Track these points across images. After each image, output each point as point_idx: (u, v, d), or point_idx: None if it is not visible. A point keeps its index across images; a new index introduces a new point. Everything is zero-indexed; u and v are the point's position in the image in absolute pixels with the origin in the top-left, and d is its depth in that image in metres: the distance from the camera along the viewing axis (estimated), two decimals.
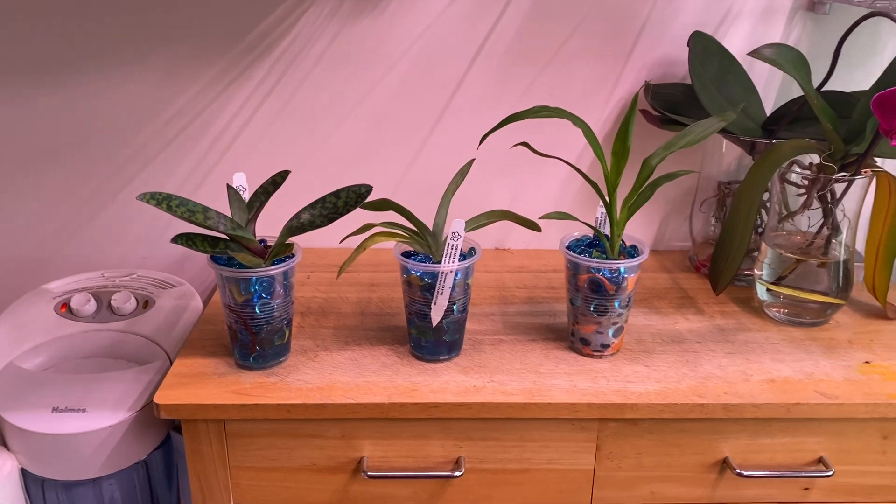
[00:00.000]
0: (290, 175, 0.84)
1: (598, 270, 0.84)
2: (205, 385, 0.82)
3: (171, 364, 0.88)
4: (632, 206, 0.85)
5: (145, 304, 1.03)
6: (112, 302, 1.01)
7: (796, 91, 1.11)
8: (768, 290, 0.98)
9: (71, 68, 1.07)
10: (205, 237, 0.80)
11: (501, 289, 1.06)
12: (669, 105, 1.06)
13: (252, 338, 0.83)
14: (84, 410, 0.89)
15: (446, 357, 0.87)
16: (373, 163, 1.14)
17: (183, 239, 0.78)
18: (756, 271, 1.00)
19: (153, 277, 1.09)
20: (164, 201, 0.76)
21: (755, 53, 0.88)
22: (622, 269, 0.84)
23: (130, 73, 1.07)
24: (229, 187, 0.82)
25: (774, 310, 0.99)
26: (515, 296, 1.04)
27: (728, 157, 1.09)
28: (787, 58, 0.87)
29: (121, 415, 0.89)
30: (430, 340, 0.86)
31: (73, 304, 1.01)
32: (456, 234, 0.80)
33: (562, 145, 1.12)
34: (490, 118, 1.09)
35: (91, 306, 1.01)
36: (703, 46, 1.01)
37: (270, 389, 0.82)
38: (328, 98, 1.10)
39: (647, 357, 0.89)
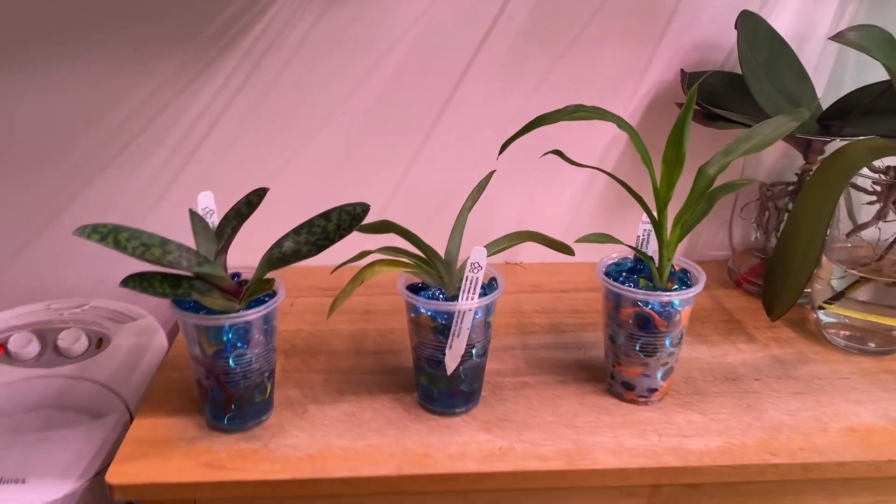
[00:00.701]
0: (268, 189, 0.68)
1: (647, 303, 0.69)
2: (170, 454, 0.67)
3: (131, 416, 0.73)
4: (685, 224, 0.70)
5: (99, 342, 0.87)
6: (59, 342, 0.85)
7: (850, 80, 0.97)
8: (830, 311, 0.84)
9: None
10: (165, 276, 0.64)
11: (518, 314, 0.91)
12: (708, 96, 0.91)
13: (226, 395, 0.68)
14: (24, 481, 0.74)
15: (463, 409, 0.72)
16: (364, 169, 0.98)
17: (136, 281, 0.62)
18: (815, 288, 0.86)
19: (108, 309, 0.93)
20: (109, 235, 0.60)
21: (840, 38, 0.73)
22: (675, 302, 0.69)
23: (73, 65, 0.90)
24: (193, 213, 0.66)
25: (832, 331, 0.85)
26: (535, 323, 0.89)
27: (772, 156, 0.95)
28: (876, 42, 0.72)
29: (68, 485, 0.73)
30: (444, 390, 0.71)
31: (12, 346, 0.85)
32: (476, 265, 0.65)
33: (578, 144, 0.97)
34: (500, 114, 0.94)
35: (33, 347, 0.85)
36: (753, 27, 0.86)
37: (251, 459, 0.66)
38: (310, 94, 0.94)
39: (701, 401, 0.75)
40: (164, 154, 0.95)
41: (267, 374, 0.70)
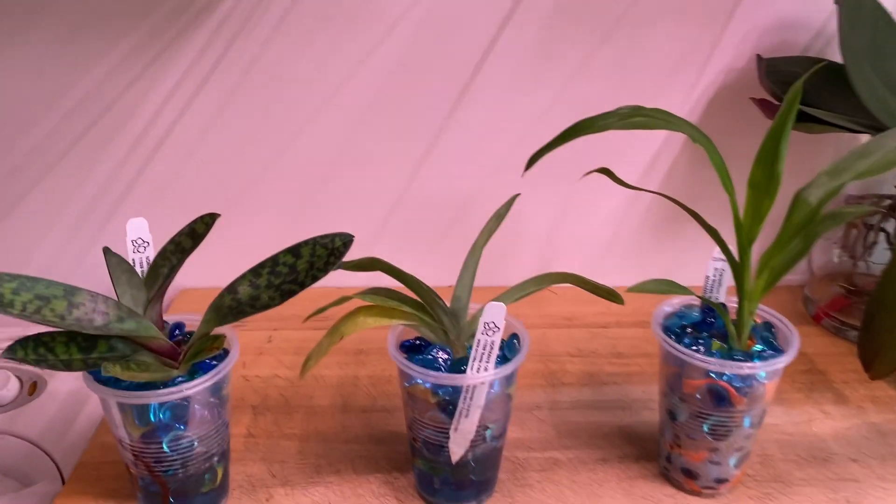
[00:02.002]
0: (217, 215, 0.51)
1: (721, 375, 0.52)
2: None
3: (64, 483, 0.58)
4: (775, 269, 0.52)
5: (32, 387, 0.71)
6: None
7: None
8: None
9: None
10: (72, 337, 0.48)
11: (546, 357, 0.74)
12: (787, 89, 0.72)
13: (161, 487, 0.52)
14: None
15: (472, 503, 0.55)
16: (358, 177, 0.81)
17: (27, 349, 0.45)
18: None
19: None
20: None
21: None
22: (761, 374, 0.52)
23: (10, 41, 0.74)
24: (108, 252, 0.50)
25: None
26: (568, 371, 0.72)
27: None
28: None
29: None
30: (447, 479, 0.54)
31: None
32: (491, 325, 0.48)
33: (621, 144, 0.79)
34: (527, 109, 0.76)
35: None
36: (857, 1, 0.67)
37: None
38: (294, 83, 0.77)
39: (783, 492, 0.57)
40: (117, 155, 0.78)
41: (217, 458, 0.53)
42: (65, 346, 0.47)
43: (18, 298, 0.44)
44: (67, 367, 0.46)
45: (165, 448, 0.50)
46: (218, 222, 0.82)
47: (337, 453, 0.61)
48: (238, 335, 0.75)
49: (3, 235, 0.82)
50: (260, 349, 0.75)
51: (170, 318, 0.56)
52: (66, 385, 0.72)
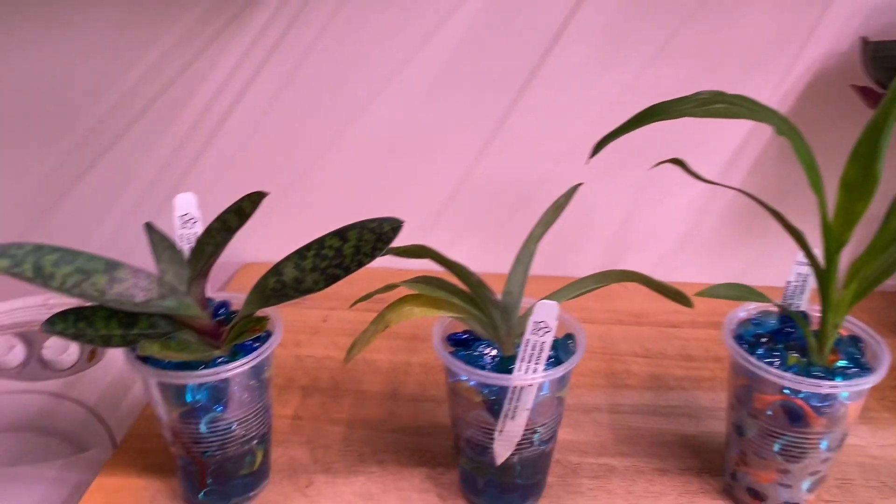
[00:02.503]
0: (265, 194, 0.50)
1: (797, 392, 0.47)
2: None
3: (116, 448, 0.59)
4: (866, 279, 0.47)
5: (92, 354, 0.72)
6: (44, 351, 0.71)
7: None
8: None
9: None
10: (112, 312, 0.47)
11: (609, 356, 0.70)
12: (892, 75, 0.65)
13: (199, 468, 0.51)
14: None
15: None
16: (419, 158, 0.78)
17: (67, 321, 0.45)
18: None
19: None
20: (26, 261, 0.43)
21: None
22: (843, 395, 0.47)
23: (70, 21, 0.74)
24: (150, 228, 0.49)
25: None
26: (632, 372, 0.68)
27: None
28: None
29: None
30: (491, 481, 0.51)
31: None
32: (542, 325, 0.45)
33: (701, 133, 0.74)
34: (600, 93, 0.72)
35: (17, 354, 0.71)
36: None
37: None
38: (357, 59, 0.74)
39: None
40: (179, 133, 0.78)
41: (256, 441, 0.52)
42: (105, 320, 0.46)
43: (59, 271, 0.44)
44: (106, 342, 0.46)
45: (203, 429, 0.49)
46: (281, 198, 0.82)
47: (382, 442, 0.59)
48: (293, 313, 0.75)
49: (65, 212, 0.84)
50: (315, 329, 0.74)
51: (217, 296, 0.55)
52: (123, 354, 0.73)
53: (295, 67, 0.75)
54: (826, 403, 0.47)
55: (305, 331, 0.74)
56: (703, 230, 0.79)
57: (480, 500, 0.53)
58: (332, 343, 0.72)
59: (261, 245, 0.84)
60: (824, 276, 0.47)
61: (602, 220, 0.80)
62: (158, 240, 0.48)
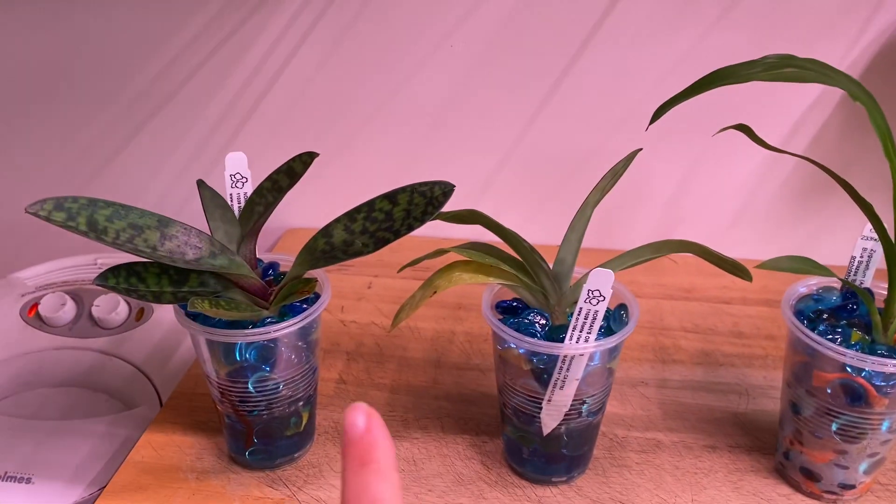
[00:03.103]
0: (316, 154, 0.49)
1: (860, 371, 0.45)
2: (171, 493, 0.51)
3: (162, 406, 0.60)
4: None
5: (140, 313, 0.73)
6: (93, 309, 0.72)
7: None
8: None
9: None
10: (164, 269, 0.47)
11: (658, 331, 0.68)
12: None
13: (245, 427, 0.51)
14: (29, 481, 0.61)
15: (563, 479, 0.52)
16: (470, 125, 0.77)
17: (120, 276, 0.45)
18: None
19: None
20: (80, 214, 0.43)
21: None
22: None
23: None
24: (203, 186, 0.49)
25: None
26: (681, 347, 0.66)
27: None
28: None
29: (75, 494, 0.60)
30: (537, 450, 0.51)
31: (43, 309, 0.72)
32: (596, 293, 0.44)
33: (763, 101, 0.71)
34: (660, 58, 0.70)
35: (67, 312, 0.73)
36: None
37: None
38: (407, 20, 0.73)
39: None
40: (229, 93, 0.78)
41: (302, 402, 0.52)
42: (156, 277, 0.46)
43: (112, 226, 0.44)
44: (157, 299, 0.46)
45: (251, 388, 0.49)
46: (327, 163, 0.82)
47: (425, 409, 0.59)
48: (338, 279, 0.75)
49: (118, 170, 0.84)
50: (360, 294, 0.74)
51: (265, 257, 0.54)
52: (170, 313, 0.74)
53: (344, 30, 0.74)
54: (890, 383, 0.45)
55: (350, 296, 0.73)
56: (757, 204, 0.77)
57: (525, 469, 0.52)
58: (377, 309, 0.71)
59: (305, 210, 0.84)
60: (893, 250, 0.45)
61: (653, 192, 0.78)
62: (210, 197, 0.48)
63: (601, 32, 0.71)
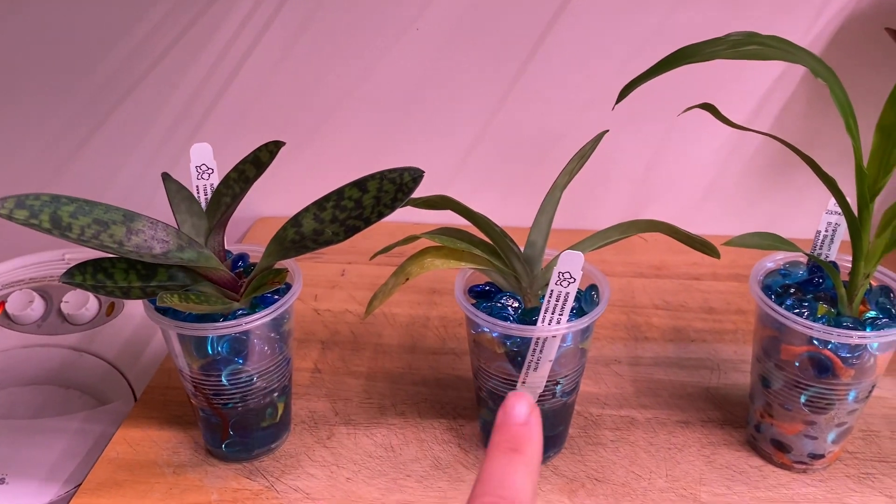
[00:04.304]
0: (283, 143, 0.48)
1: (826, 343, 0.46)
2: (148, 488, 0.51)
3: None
4: None
5: (111, 308, 0.72)
6: (62, 306, 0.71)
7: None
8: None
9: None
10: (132, 264, 0.46)
11: (630, 309, 0.69)
12: None
13: (221, 419, 0.51)
14: (3, 481, 0.61)
15: None
16: (439, 107, 0.77)
17: (86, 273, 0.45)
18: None
19: None
20: (43, 212, 0.42)
21: None
22: (873, 345, 0.46)
23: None
24: (168, 179, 0.48)
25: None
26: (653, 325, 0.67)
27: None
28: None
29: (51, 492, 0.59)
30: None
31: (11, 307, 0.71)
32: (566, 275, 0.44)
33: (729, 78, 0.72)
34: (628, 35, 0.70)
35: (36, 309, 0.71)
36: None
37: None
38: (373, 4, 0.72)
39: (886, 474, 0.51)
40: (194, 82, 0.76)
41: (277, 393, 0.52)
42: (124, 272, 0.46)
43: (77, 223, 0.43)
44: (126, 294, 0.45)
45: (224, 381, 0.49)
46: (297, 150, 0.81)
47: (402, 394, 0.59)
48: (311, 267, 0.75)
49: (82, 165, 0.83)
50: (333, 282, 0.73)
51: (235, 248, 0.54)
52: (141, 307, 0.72)
53: (309, 15, 0.73)
54: (855, 354, 0.46)
55: (323, 285, 0.73)
56: (726, 181, 0.78)
57: None
58: (350, 297, 0.71)
59: (276, 199, 0.84)
60: (857, 224, 0.45)
61: (624, 171, 0.78)
62: (176, 190, 0.48)
63: (568, 11, 0.71)
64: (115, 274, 0.46)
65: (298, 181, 0.81)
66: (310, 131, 0.80)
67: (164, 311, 0.47)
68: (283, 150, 0.75)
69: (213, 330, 0.46)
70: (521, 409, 0.30)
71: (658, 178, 0.78)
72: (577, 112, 0.75)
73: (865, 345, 0.46)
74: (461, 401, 0.58)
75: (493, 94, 0.75)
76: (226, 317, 0.47)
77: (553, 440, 0.52)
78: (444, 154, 0.79)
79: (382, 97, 0.77)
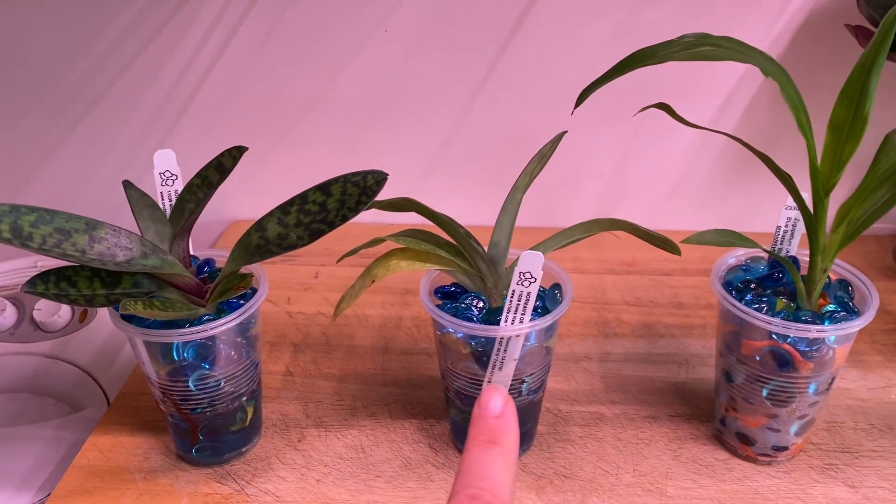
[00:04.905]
0: (246, 148, 0.49)
1: (785, 337, 0.47)
2: (119, 495, 0.51)
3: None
4: (854, 221, 0.46)
5: (83, 314, 0.72)
6: (35, 313, 0.71)
7: None
8: None
9: None
10: (95, 271, 0.47)
11: (600, 305, 0.70)
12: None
13: (190, 425, 0.51)
14: None
15: None
16: (407, 109, 0.77)
17: (49, 282, 0.45)
18: None
19: None
20: (1, 221, 0.42)
21: None
22: (830, 338, 0.47)
23: None
24: (129, 187, 0.48)
25: None
26: (623, 321, 0.68)
27: None
28: None
29: (24, 500, 0.59)
30: None
31: None
32: (527, 276, 0.44)
33: (694, 78, 0.72)
34: (593, 34, 0.71)
35: (8, 317, 0.71)
36: None
37: None
38: (340, 8, 0.72)
39: (849, 464, 0.52)
40: (162, 88, 0.76)
41: (246, 398, 0.52)
42: (88, 280, 0.46)
43: (38, 232, 0.43)
44: (90, 302, 0.45)
45: (192, 387, 0.49)
46: (270, 154, 0.81)
47: (374, 396, 0.59)
48: (284, 270, 0.75)
49: (50, 175, 0.82)
50: (306, 284, 0.74)
51: (201, 253, 0.54)
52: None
53: (277, 19, 0.73)
54: (814, 348, 0.47)
55: (296, 287, 0.73)
56: (695, 176, 0.79)
57: None
58: (324, 299, 0.72)
59: (250, 202, 0.84)
60: (812, 220, 0.46)
61: (594, 168, 0.79)
62: (138, 197, 0.48)
63: (535, 10, 0.71)
64: (79, 282, 0.46)
65: (272, 184, 0.81)
66: (282, 134, 0.80)
67: (130, 318, 0.48)
68: (255, 153, 0.75)
69: (178, 336, 0.47)
70: (496, 403, 0.31)
71: (628, 174, 0.79)
72: (546, 110, 0.75)
73: (824, 338, 0.46)
74: (432, 400, 0.59)
75: (460, 95, 0.76)
76: (192, 322, 0.48)
77: (521, 437, 0.53)
78: (415, 154, 0.80)
79: (354, 98, 0.77)
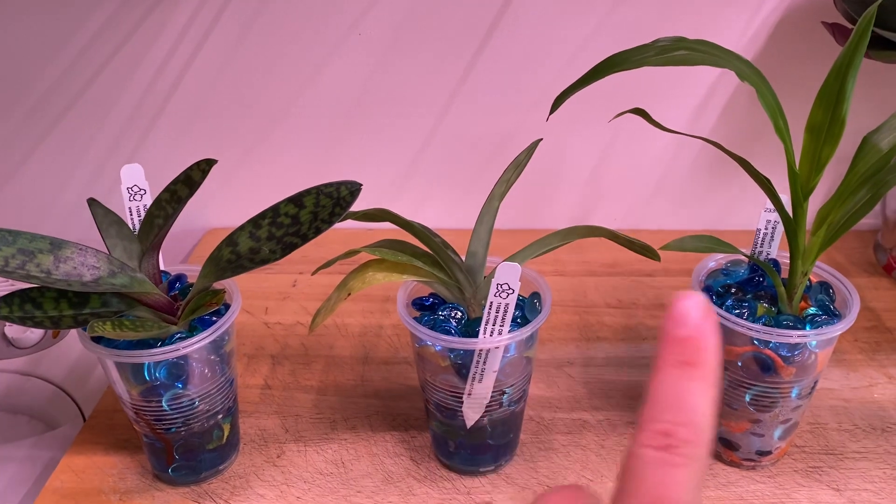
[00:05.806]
0: (215, 161, 0.47)
1: (767, 343, 0.46)
2: None
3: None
4: (834, 224, 0.46)
5: (56, 331, 0.71)
6: (7, 329, 0.69)
7: None
8: None
9: None
10: (62, 292, 0.45)
11: (582, 308, 0.69)
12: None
13: (165, 444, 0.50)
14: None
15: (491, 468, 0.52)
16: (384, 114, 0.76)
17: (12, 306, 0.43)
18: None
19: None
20: None
21: None
22: (811, 343, 0.46)
23: None
24: (94, 204, 0.47)
25: None
26: (605, 323, 0.67)
27: None
28: None
29: None
30: (462, 443, 0.51)
31: None
32: (505, 287, 0.44)
33: (670, 80, 0.72)
34: (570, 36, 0.70)
35: None
36: None
37: None
38: (314, 9, 0.71)
39: (835, 465, 0.52)
40: (133, 98, 0.75)
41: (221, 415, 0.51)
42: (54, 301, 0.45)
43: None
44: (56, 324, 0.44)
45: (165, 406, 0.48)
46: (243, 162, 0.80)
47: (354, 408, 0.59)
48: (262, 279, 0.74)
49: (16, 193, 0.80)
50: (285, 294, 0.73)
51: (172, 269, 0.53)
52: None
53: (248, 25, 0.72)
54: (796, 353, 0.46)
55: (274, 297, 0.72)
56: (675, 177, 0.78)
57: (453, 461, 0.52)
58: (302, 308, 0.70)
59: (227, 210, 0.83)
60: (792, 223, 0.46)
61: (574, 171, 0.78)
62: (103, 215, 0.47)
63: (510, 12, 0.71)
64: (45, 303, 0.44)
65: (247, 192, 0.80)
66: (258, 140, 0.78)
67: (99, 339, 0.46)
68: (230, 160, 0.74)
69: (149, 356, 0.45)
70: (692, 310, 0.23)
71: (607, 178, 0.78)
72: (524, 113, 0.74)
73: (805, 343, 0.46)
74: (413, 411, 0.58)
75: (436, 101, 0.75)
76: (163, 342, 0.46)
77: (504, 448, 0.52)
78: (392, 158, 0.78)
79: (330, 103, 0.76)
